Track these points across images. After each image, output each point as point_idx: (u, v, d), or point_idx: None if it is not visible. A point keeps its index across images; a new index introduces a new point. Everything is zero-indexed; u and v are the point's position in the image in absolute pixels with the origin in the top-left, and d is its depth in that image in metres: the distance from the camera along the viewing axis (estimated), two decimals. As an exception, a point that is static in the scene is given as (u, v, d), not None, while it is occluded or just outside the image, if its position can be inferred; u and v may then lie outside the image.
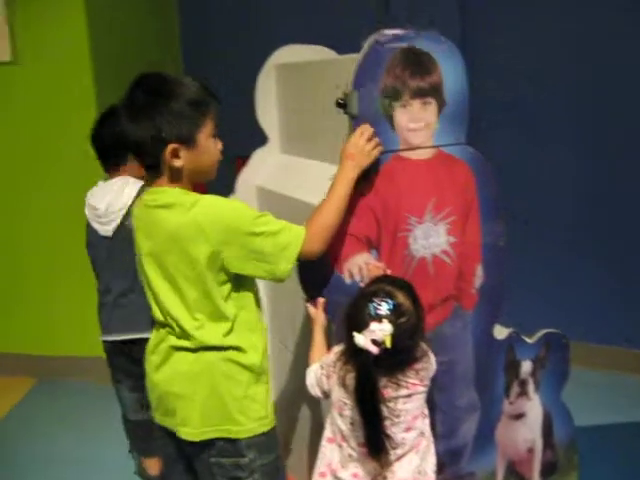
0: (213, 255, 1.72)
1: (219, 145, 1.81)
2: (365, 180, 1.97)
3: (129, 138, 1.74)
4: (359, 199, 1.98)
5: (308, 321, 2.05)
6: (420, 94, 1.97)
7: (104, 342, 2.57)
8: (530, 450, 2.38)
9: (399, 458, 1.80)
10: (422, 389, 1.79)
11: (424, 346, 1.82)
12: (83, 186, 3.54)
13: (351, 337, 1.68)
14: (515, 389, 2.31)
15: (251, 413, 1.83)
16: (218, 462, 1.86)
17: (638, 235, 3.32)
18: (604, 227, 3.33)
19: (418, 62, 1.96)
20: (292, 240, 1.77)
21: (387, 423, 1.74)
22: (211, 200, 1.74)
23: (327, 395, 1.86)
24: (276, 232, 1.76)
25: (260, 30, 3.98)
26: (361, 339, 1.65)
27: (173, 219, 1.73)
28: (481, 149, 2.11)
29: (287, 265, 1.78)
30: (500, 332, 2.27)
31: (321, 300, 1.98)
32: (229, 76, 3.72)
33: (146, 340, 1.93)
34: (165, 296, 1.80)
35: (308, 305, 2.02)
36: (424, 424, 1.84)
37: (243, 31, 4.10)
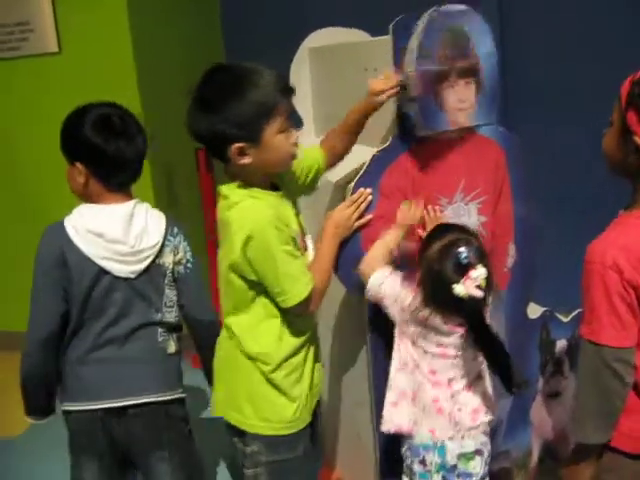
0: (234, 262, 1.77)
1: (291, 138, 1.76)
2: (395, 161, 1.99)
3: (196, 132, 1.75)
4: (389, 180, 2.01)
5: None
6: (464, 74, 1.97)
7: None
8: (566, 429, 2.38)
9: (469, 386, 1.90)
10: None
11: None
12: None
13: (443, 290, 1.74)
14: (550, 368, 2.32)
15: (259, 412, 1.86)
16: (234, 443, 1.93)
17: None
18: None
19: (463, 43, 1.96)
20: (301, 289, 1.78)
21: (459, 353, 1.86)
22: (250, 206, 1.74)
23: (377, 304, 1.94)
24: (293, 274, 1.77)
25: (296, 12, 3.98)
26: (462, 289, 1.71)
27: (222, 210, 1.79)
28: (521, 127, 2.10)
29: (287, 303, 1.78)
30: (534, 311, 2.27)
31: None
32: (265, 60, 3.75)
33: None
34: (219, 282, 1.89)
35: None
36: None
37: (279, 12, 4.11)
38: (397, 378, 1.94)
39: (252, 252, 1.73)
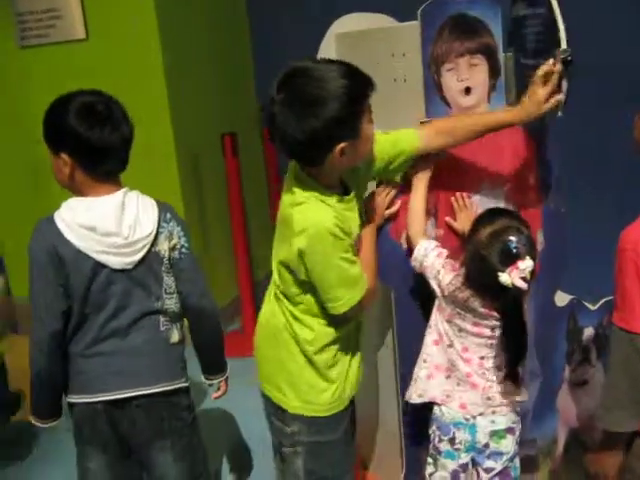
0: (288, 260, 1.78)
1: (373, 127, 1.76)
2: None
3: (294, 140, 1.66)
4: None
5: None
6: (465, 52, 1.97)
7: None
8: (592, 417, 2.36)
9: (500, 367, 1.91)
10: None
11: None
12: (151, 160, 3.67)
13: (488, 276, 1.74)
14: (577, 356, 2.30)
15: (301, 394, 1.90)
16: (272, 421, 1.97)
17: None
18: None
19: (465, 25, 1.95)
20: (355, 295, 1.79)
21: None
22: (314, 211, 1.72)
23: (421, 273, 1.96)
24: (348, 282, 1.77)
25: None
26: (507, 278, 1.71)
27: (286, 206, 1.78)
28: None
29: (339, 310, 1.80)
30: (561, 299, 2.25)
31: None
32: (293, 47, 3.73)
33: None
34: (274, 251, 1.88)
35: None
36: None
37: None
38: (433, 351, 1.96)
39: (310, 259, 1.73)
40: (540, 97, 1.82)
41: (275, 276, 1.89)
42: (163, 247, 1.91)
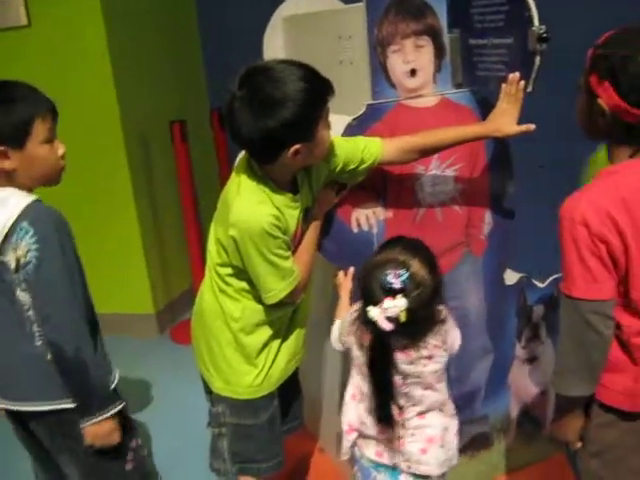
0: (224, 244, 1.81)
1: (329, 132, 1.77)
2: (369, 129, 1.98)
3: (248, 138, 1.67)
4: (364, 149, 2.00)
5: (335, 287, 2.07)
6: (411, 34, 1.97)
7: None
8: (544, 393, 2.41)
9: (421, 414, 1.77)
10: (444, 352, 1.73)
11: (444, 311, 1.76)
12: (99, 147, 3.61)
13: (364, 308, 1.64)
14: (527, 333, 2.34)
15: (222, 374, 1.93)
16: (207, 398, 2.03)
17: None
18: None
19: (410, 6, 1.96)
20: (284, 287, 1.81)
21: (408, 382, 1.72)
22: (254, 205, 1.74)
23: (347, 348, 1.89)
24: (277, 276, 1.79)
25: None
26: (375, 313, 1.58)
27: (231, 188, 1.80)
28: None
29: (269, 301, 1.83)
30: (511, 277, 2.28)
31: (351, 269, 2.01)
32: (241, 31, 3.70)
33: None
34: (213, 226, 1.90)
35: (339, 273, 2.04)
36: (446, 385, 1.81)
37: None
38: (348, 407, 1.87)
39: (242, 249, 1.75)
40: (509, 112, 1.87)
41: (211, 248, 1.89)
42: (10, 258, 1.70)
